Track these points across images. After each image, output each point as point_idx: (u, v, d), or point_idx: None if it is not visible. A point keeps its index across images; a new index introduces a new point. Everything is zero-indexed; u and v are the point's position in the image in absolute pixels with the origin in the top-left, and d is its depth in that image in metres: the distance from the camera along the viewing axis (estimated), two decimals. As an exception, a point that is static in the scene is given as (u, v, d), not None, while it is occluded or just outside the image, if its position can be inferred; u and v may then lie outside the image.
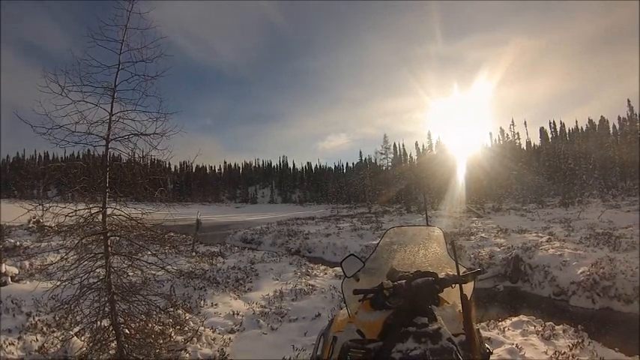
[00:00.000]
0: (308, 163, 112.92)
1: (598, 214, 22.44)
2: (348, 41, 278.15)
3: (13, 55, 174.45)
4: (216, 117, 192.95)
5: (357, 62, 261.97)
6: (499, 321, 6.84)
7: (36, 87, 4.44)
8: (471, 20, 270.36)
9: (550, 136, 71.15)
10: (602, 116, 66.02)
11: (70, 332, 5.57)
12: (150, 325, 5.20)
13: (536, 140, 72.86)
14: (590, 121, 67.59)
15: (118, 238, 4.94)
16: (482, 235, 17.11)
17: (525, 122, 79.60)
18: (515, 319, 6.88)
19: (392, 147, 68.00)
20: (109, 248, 4.68)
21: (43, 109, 4.40)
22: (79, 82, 4.56)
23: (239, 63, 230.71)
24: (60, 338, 5.65)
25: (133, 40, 4.87)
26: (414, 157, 72.77)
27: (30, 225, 19.32)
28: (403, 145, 79.86)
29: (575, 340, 5.83)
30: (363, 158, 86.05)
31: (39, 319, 6.57)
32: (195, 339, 5.91)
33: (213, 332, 6.42)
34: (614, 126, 64.79)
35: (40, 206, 4.61)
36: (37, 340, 5.81)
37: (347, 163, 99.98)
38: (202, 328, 6.45)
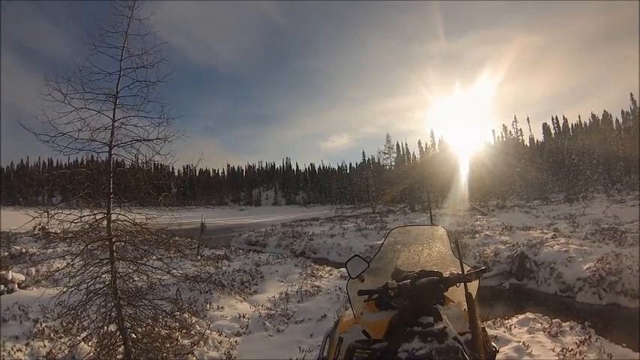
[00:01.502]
0: (311, 164, 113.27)
1: (603, 210, 22.35)
2: (348, 40, 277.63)
3: (14, 61, 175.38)
4: (217, 118, 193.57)
5: (358, 61, 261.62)
6: (505, 319, 6.82)
7: (38, 94, 4.48)
8: (472, 18, 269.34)
9: (553, 132, 71.01)
10: (605, 111, 66.03)
11: (78, 338, 5.59)
12: (156, 329, 5.21)
13: (539, 137, 72.85)
14: (593, 116, 67.48)
15: (123, 244, 4.97)
16: (487, 232, 17.07)
17: (528, 119, 79.77)
18: (521, 316, 6.85)
19: (395, 146, 68.09)
20: (115, 254, 4.70)
21: (46, 116, 4.45)
22: (81, 89, 4.60)
23: (239, 63, 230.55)
24: (67, 344, 5.68)
25: (134, 47, 4.92)
26: (417, 156, 72.78)
27: (35, 232, 19.39)
28: (406, 144, 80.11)
29: (583, 337, 5.80)
30: (366, 158, 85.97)
31: (46, 326, 6.60)
32: (201, 342, 5.93)
33: (219, 335, 6.43)
34: (617, 120, 64.63)
35: (46, 213, 4.64)
36: (44, 346, 5.84)
37: (350, 164, 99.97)
38: (209, 331, 6.47)
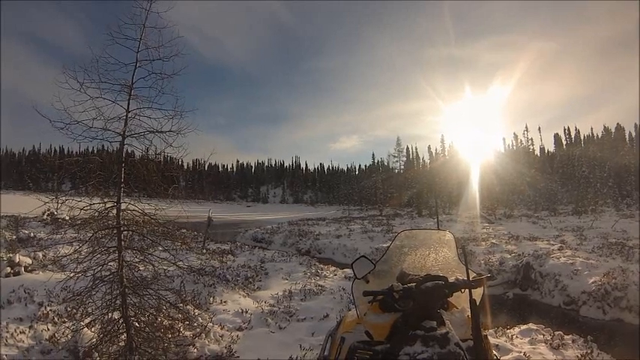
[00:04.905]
0: (320, 164, 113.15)
1: (612, 224, 22.19)
2: (360, 42, 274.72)
3: (28, 52, 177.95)
4: (228, 116, 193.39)
5: (369, 63, 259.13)
6: (507, 328, 6.80)
7: (55, 84, 4.53)
8: (484, 22, 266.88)
9: (565, 142, 70.51)
10: (618, 123, 65.44)
11: (81, 323, 5.65)
12: (159, 319, 5.26)
13: (550, 146, 72.31)
14: (605, 128, 66.90)
15: (130, 233, 5.01)
16: (493, 241, 16.98)
17: (539, 128, 79.32)
18: (523, 327, 6.83)
19: (405, 150, 67.99)
20: (122, 242, 4.75)
21: (62, 104, 4.51)
22: (97, 79, 4.65)
23: (250, 63, 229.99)
24: (71, 329, 5.72)
25: (151, 39, 4.96)
26: (427, 160, 72.65)
27: (44, 217, 19.57)
28: (416, 148, 79.88)
29: (584, 351, 5.77)
30: (376, 160, 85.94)
31: (50, 309, 6.67)
32: (203, 335, 5.96)
33: (221, 329, 6.46)
34: (630, 134, 64.04)
35: (56, 199, 4.70)
36: (48, 329, 5.90)
37: (359, 165, 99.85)
38: (211, 324, 6.49)
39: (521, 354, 5.55)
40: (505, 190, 40.55)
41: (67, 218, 5.08)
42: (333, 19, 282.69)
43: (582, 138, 70.27)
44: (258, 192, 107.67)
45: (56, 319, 6.32)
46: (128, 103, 4.82)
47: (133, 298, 4.89)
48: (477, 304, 1.98)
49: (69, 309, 6.38)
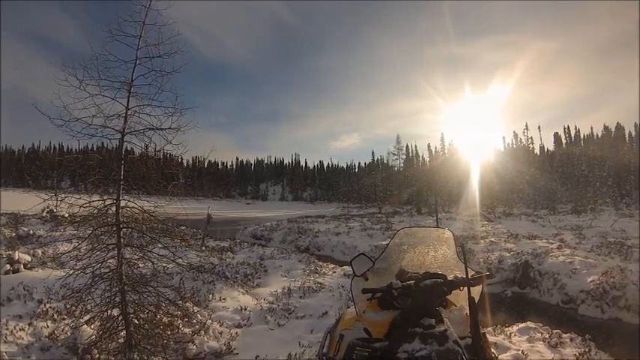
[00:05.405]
0: (320, 161, 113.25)
1: (611, 223, 22.20)
2: (360, 42, 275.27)
3: (28, 49, 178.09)
4: (228, 114, 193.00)
5: (369, 63, 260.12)
6: (506, 326, 6.80)
7: (55, 81, 4.54)
8: (484, 22, 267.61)
9: (564, 141, 70.49)
10: (618, 122, 65.43)
11: (81, 320, 5.65)
12: (159, 316, 5.27)
13: (550, 145, 72.27)
14: (605, 127, 66.89)
15: (130, 230, 5.02)
16: (492, 239, 16.97)
17: (539, 127, 79.03)
18: (522, 325, 6.83)
19: (404, 148, 68.02)
20: (122, 240, 4.75)
21: (62, 101, 4.51)
22: (96, 76, 4.66)
23: (251, 62, 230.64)
24: (70, 326, 5.72)
25: (150, 36, 4.97)
26: (427, 158, 72.64)
27: (43, 214, 19.58)
28: (416, 147, 79.73)
29: (582, 349, 5.78)
30: (376, 158, 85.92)
31: (50, 306, 6.66)
32: (202, 332, 5.96)
33: (220, 326, 6.46)
34: (629, 133, 64.01)
35: (56, 196, 4.71)
36: (47, 326, 5.89)
37: (359, 163, 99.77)
38: (210, 321, 6.50)
39: (520, 352, 5.56)
40: (505, 189, 40.53)
41: (67, 216, 5.08)
42: (334, 18, 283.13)
43: (582, 137, 70.30)
44: (258, 189, 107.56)
45: (55, 316, 6.31)
46: (128, 101, 4.83)
47: (132, 295, 4.90)
48: (476, 302, 1.99)
49: (68, 306, 6.38)
